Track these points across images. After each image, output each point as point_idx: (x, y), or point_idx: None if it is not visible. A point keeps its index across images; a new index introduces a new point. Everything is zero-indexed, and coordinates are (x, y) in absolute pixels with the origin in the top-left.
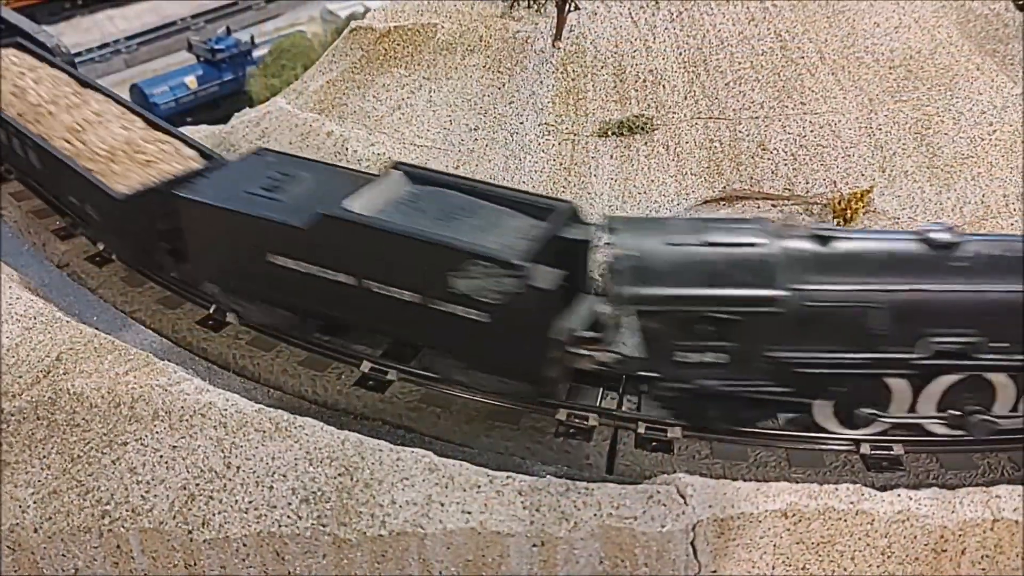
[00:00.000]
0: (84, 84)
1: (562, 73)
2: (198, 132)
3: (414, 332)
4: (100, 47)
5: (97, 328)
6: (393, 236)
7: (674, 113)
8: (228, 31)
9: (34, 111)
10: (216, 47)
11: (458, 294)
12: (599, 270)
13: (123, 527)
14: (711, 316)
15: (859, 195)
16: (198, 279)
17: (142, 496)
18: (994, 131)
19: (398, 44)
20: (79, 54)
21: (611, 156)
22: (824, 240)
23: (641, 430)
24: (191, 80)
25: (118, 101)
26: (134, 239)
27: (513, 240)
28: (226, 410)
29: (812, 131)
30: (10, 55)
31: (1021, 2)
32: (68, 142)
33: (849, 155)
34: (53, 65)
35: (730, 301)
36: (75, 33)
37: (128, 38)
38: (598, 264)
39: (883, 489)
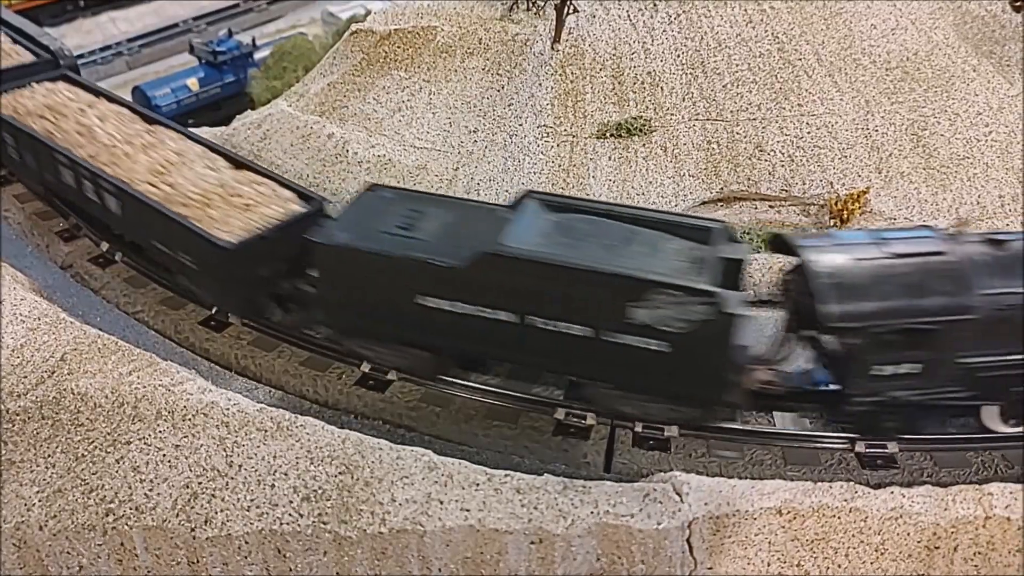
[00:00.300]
0: (150, 120)
1: (561, 75)
2: (200, 134)
3: (580, 366)
4: (102, 49)
5: (101, 329)
6: (566, 270)
7: (672, 115)
8: (230, 33)
9: (108, 152)
10: (218, 49)
11: (637, 325)
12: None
13: (127, 525)
14: (911, 328)
15: (855, 196)
16: (323, 325)
17: (145, 494)
18: (990, 132)
19: (398, 47)
20: (81, 56)
21: (609, 157)
22: (999, 244)
23: (638, 429)
24: (193, 82)
25: (193, 139)
26: (241, 287)
27: (685, 265)
28: (228, 410)
29: (809, 132)
30: (62, 90)
31: (1018, 4)
32: (153, 186)
33: (846, 156)
34: (111, 99)
35: (932, 311)
36: (77, 35)
37: (130, 40)
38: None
39: (877, 487)
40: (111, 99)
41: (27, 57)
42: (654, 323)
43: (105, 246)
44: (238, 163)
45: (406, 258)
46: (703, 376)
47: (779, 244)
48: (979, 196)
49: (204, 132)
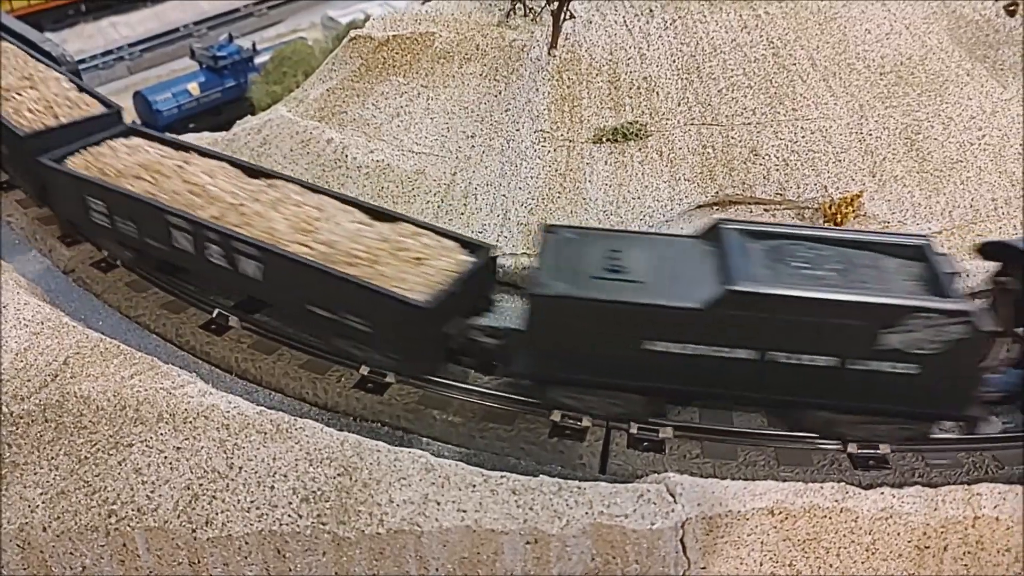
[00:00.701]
0: (255, 171)
1: (557, 80)
2: (201, 139)
3: (820, 396)
4: (103, 54)
5: (103, 333)
6: (818, 303)
7: (668, 119)
8: (230, 38)
9: (236, 212)
10: (218, 54)
11: (886, 350)
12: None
13: (129, 526)
14: None
15: (849, 199)
16: (526, 377)
17: (147, 496)
18: (983, 136)
19: (397, 53)
20: (82, 61)
21: (606, 162)
22: None
23: (633, 430)
24: (194, 87)
25: (318, 190)
26: (429, 346)
27: (918, 285)
28: (228, 412)
29: (803, 137)
30: (144, 145)
31: (1012, 8)
32: (305, 245)
33: (840, 160)
34: (200, 152)
35: None
36: (78, 40)
37: (131, 45)
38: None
39: (868, 487)
40: (201, 152)
41: (94, 105)
42: (906, 347)
43: (107, 251)
44: (378, 213)
45: (638, 304)
46: (950, 393)
47: (991, 250)
48: (972, 199)
49: (205, 137)
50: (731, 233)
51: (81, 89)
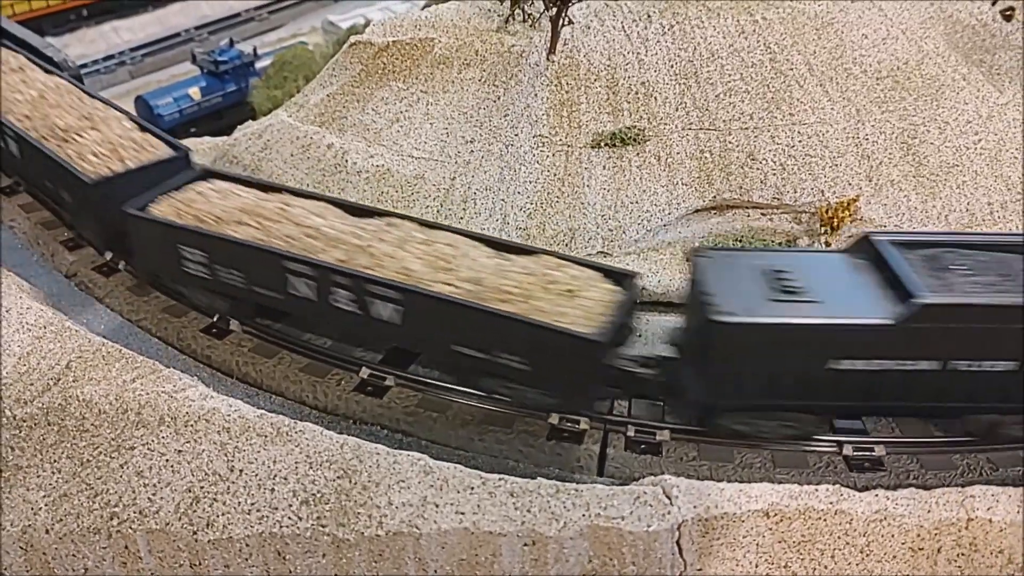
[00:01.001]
0: (360, 210)
1: (556, 86)
2: (202, 144)
3: (997, 399)
4: (105, 58)
5: (105, 337)
6: (1005, 309)
7: (665, 124)
8: (231, 43)
9: (366, 254)
10: (219, 59)
11: None
12: None
13: (131, 528)
14: None
15: (846, 204)
16: (698, 405)
17: (149, 498)
18: (979, 140)
19: (396, 58)
20: (84, 66)
21: (604, 167)
22: None
23: (631, 433)
24: (195, 91)
25: (447, 228)
26: (601, 379)
27: None
28: (229, 415)
29: (800, 141)
30: (235, 189)
31: (1008, 13)
32: (448, 284)
33: (836, 165)
34: (294, 192)
35: None
36: (80, 45)
37: (132, 49)
38: None
39: (862, 489)
40: (293, 192)
41: (159, 147)
42: None
43: (108, 255)
44: (507, 247)
45: (829, 324)
46: None
47: None
48: (968, 203)
49: (206, 142)
50: (888, 246)
51: (143, 128)
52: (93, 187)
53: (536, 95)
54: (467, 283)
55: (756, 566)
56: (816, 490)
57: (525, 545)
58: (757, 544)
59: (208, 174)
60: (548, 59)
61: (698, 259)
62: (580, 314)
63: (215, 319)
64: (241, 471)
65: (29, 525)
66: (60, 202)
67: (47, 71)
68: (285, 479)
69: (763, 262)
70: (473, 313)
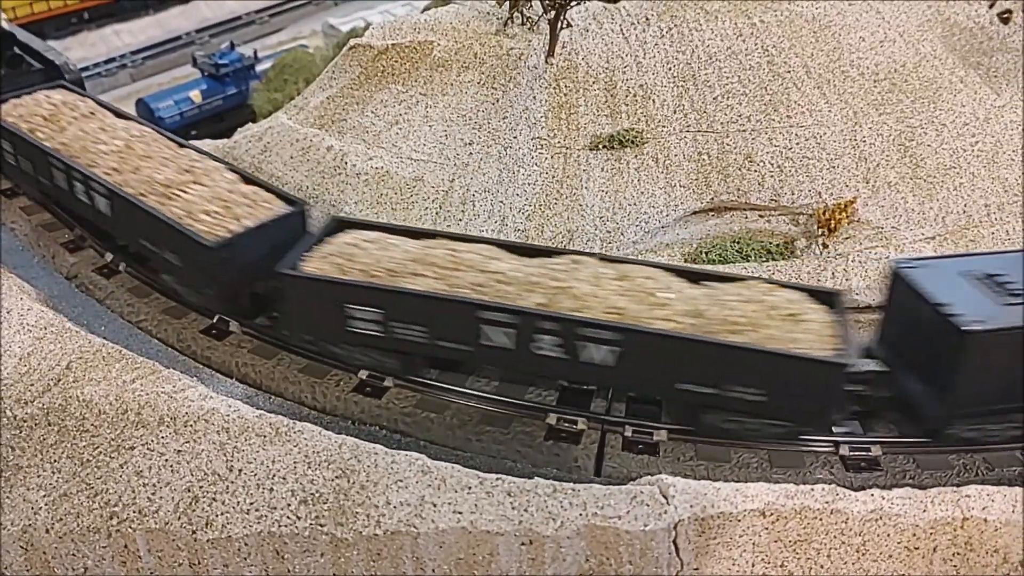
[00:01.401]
0: (524, 251)
1: (555, 88)
2: (203, 146)
3: None
4: (106, 62)
5: (105, 338)
6: None
7: (663, 127)
8: (232, 45)
9: (568, 295)
10: (220, 61)
11: None
12: None
13: (130, 528)
14: None
15: (843, 206)
16: (942, 419)
17: (148, 498)
18: (976, 142)
19: (396, 61)
20: (85, 69)
21: (602, 169)
22: None
23: (628, 433)
24: (196, 94)
25: (610, 258)
26: (835, 404)
27: None
28: (228, 416)
29: (798, 143)
30: (388, 238)
31: (1005, 16)
32: (668, 320)
33: (834, 167)
34: (422, 234)
35: None
36: (81, 48)
37: (134, 52)
38: None
39: (858, 489)
40: (450, 236)
41: (271, 200)
42: None
43: (109, 256)
44: (693, 274)
45: None
46: None
47: None
48: (965, 205)
49: (207, 144)
50: None
51: (247, 180)
52: (215, 250)
53: (535, 98)
54: (687, 317)
55: (752, 565)
56: (812, 490)
57: (522, 544)
58: (753, 543)
59: (343, 224)
60: (547, 62)
61: (907, 270)
62: (812, 338)
63: (215, 320)
64: (240, 471)
65: (29, 524)
66: (162, 264)
67: (119, 115)
68: (284, 479)
69: (969, 267)
70: (704, 347)
